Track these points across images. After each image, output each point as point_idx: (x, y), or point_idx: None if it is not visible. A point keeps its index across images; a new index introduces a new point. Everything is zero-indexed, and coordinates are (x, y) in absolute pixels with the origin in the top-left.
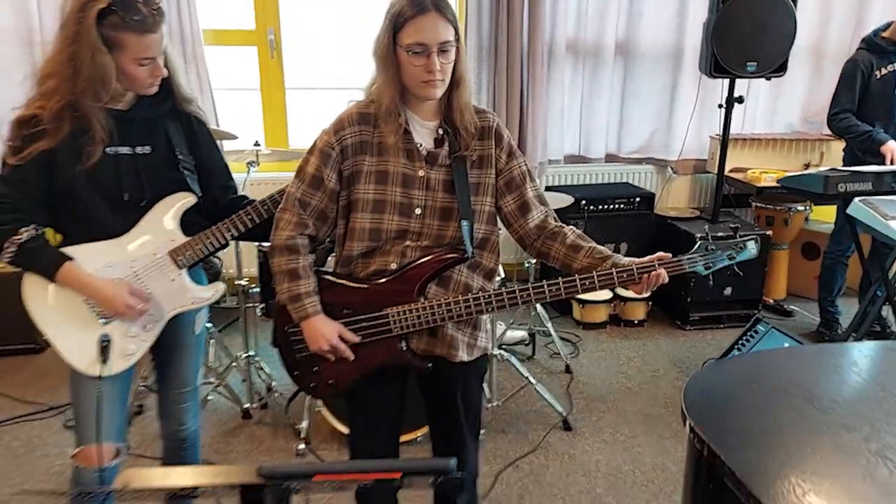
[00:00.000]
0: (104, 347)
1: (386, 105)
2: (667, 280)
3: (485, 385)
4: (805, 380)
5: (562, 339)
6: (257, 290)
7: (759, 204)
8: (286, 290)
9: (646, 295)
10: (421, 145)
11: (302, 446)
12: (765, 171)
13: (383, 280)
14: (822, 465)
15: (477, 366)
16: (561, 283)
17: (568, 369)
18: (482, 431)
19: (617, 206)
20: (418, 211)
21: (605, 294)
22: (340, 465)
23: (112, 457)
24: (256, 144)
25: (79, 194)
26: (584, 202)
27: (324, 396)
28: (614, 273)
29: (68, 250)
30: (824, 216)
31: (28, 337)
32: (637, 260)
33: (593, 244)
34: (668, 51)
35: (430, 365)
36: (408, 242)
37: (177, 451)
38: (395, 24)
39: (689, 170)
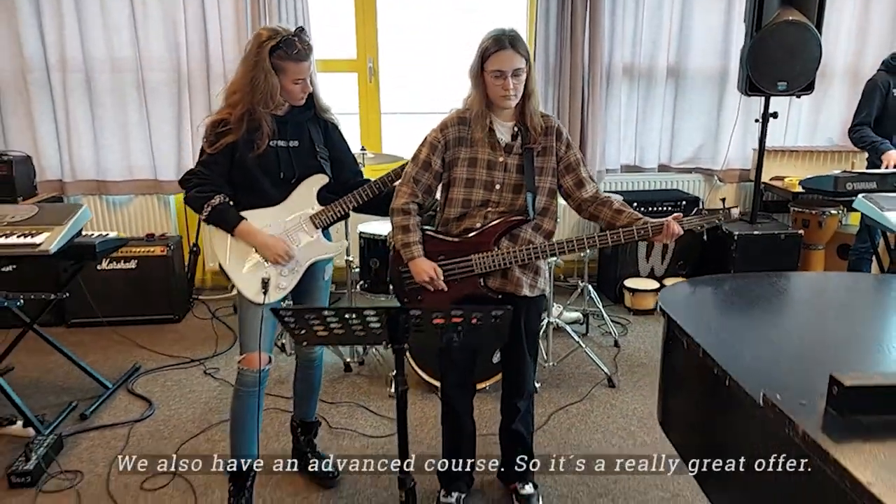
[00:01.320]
0: (265, 284)
1: (476, 111)
2: (681, 231)
3: (541, 347)
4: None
5: (613, 321)
6: (358, 270)
7: (795, 208)
8: (400, 239)
9: (668, 242)
10: (501, 140)
11: (393, 390)
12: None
13: (470, 235)
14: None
15: (536, 302)
16: (596, 237)
17: (616, 344)
18: (538, 385)
19: (665, 208)
20: (498, 186)
21: (653, 284)
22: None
23: (266, 362)
24: (362, 149)
25: (252, 173)
26: (635, 204)
27: None
28: (635, 229)
29: (243, 213)
30: (858, 220)
31: (170, 308)
32: (653, 220)
33: (632, 210)
34: (714, 73)
35: (500, 297)
36: (489, 209)
37: (307, 371)
38: (483, 55)
39: (734, 179)
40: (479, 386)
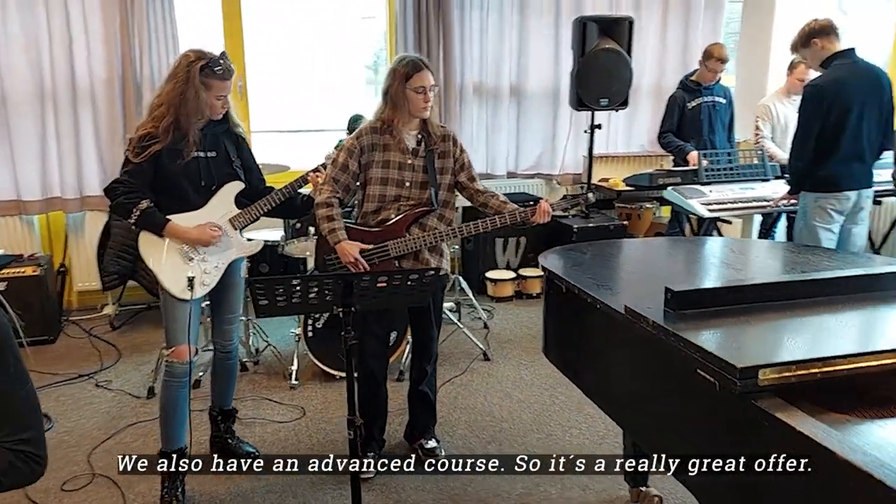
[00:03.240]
0: (191, 281)
1: (388, 122)
2: (551, 210)
3: None
4: (612, 253)
5: (481, 308)
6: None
7: (619, 204)
8: (327, 227)
9: (542, 220)
10: (409, 145)
11: (295, 382)
12: (622, 180)
13: (387, 224)
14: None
15: (441, 278)
16: (488, 220)
17: (486, 326)
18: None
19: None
20: (408, 184)
21: (510, 274)
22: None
23: (194, 353)
24: None
25: (176, 180)
26: None
27: None
28: (518, 212)
29: (169, 217)
30: (668, 211)
31: (45, 329)
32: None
33: (511, 203)
34: (549, 91)
35: None
36: (401, 202)
37: (224, 361)
38: (407, 76)
39: (570, 181)
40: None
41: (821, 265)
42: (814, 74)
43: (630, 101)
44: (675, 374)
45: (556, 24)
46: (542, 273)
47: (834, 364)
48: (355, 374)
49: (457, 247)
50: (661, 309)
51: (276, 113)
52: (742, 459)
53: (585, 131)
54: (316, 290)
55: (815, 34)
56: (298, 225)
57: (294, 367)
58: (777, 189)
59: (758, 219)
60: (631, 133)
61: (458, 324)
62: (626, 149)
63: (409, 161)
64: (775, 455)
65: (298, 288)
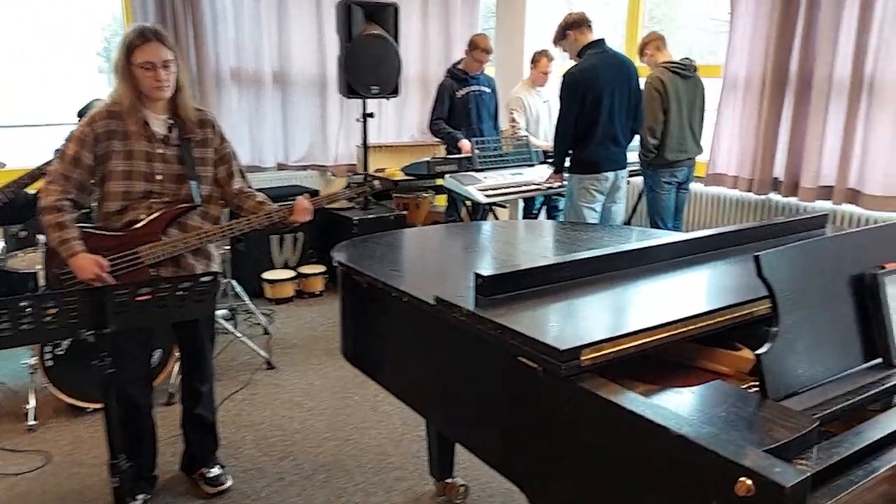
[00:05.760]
0: None
1: (127, 104)
2: (309, 206)
3: None
4: (404, 244)
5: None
6: None
7: (397, 195)
8: (57, 237)
9: (302, 218)
10: (157, 132)
11: (33, 422)
12: (399, 169)
13: (136, 227)
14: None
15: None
16: (253, 218)
17: (266, 332)
18: None
19: (289, 202)
20: (159, 177)
21: (290, 273)
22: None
23: None
24: None
25: None
26: None
27: None
28: (274, 211)
29: None
30: (444, 200)
31: None
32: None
33: (272, 203)
34: (315, 78)
35: None
36: (153, 199)
37: None
38: (129, 49)
39: (344, 172)
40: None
41: (597, 239)
42: (557, 68)
43: (401, 89)
44: (492, 362)
45: (318, 6)
46: (324, 270)
47: (649, 335)
48: (114, 407)
49: (227, 247)
50: (471, 295)
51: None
52: (568, 442)
53: (358, 120)
54: (55, 311)
55: (568, 27)
56: (24, 233)
57: (31, 405)
58: (542, 173)
59: (520, 203)
60: (402, 122)
61: (235, 332)
62: (398, 138)
63: (160, 151)
64: (602, 434)
65: (30, 311)
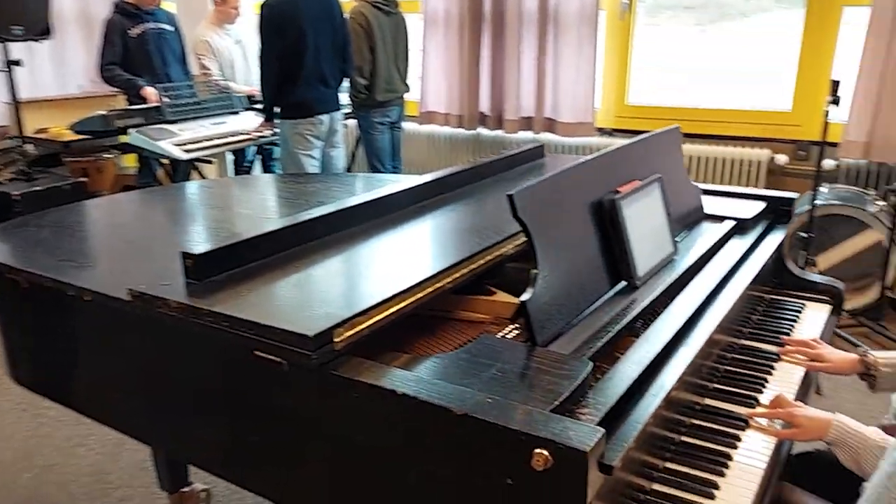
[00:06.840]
0: None
1: None
2: None
3: None
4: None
5: None
6: None
7: (69, 158)
8: None
9: None
10: None
11: None
12: (67, 128)
13: None
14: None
15: None
16: None
17: None
18: None
19: None
20: None
21: None
22: None
23: None
24: None
25: None
26: None
27: None
28: None
29: None
30: (134, 160)
31: None
32: None
33: None
34: None
35: None
36: None
37: None
38: None
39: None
40: None
41: (324, 191)
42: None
43: (56, 31)
44: (218, 362)
45: None
46: None
47: (406, 298)
48: None
49: None
50: (181, 281)
51: None
52: (331, 441)
53: (2, 70)
54: None
55: None
56: None
57: None
58: (250, 121)
59: (230, 157)
60: (63, 71)
61: None
62: (62, 91)
63: None
64: (369, 427)
65: None
